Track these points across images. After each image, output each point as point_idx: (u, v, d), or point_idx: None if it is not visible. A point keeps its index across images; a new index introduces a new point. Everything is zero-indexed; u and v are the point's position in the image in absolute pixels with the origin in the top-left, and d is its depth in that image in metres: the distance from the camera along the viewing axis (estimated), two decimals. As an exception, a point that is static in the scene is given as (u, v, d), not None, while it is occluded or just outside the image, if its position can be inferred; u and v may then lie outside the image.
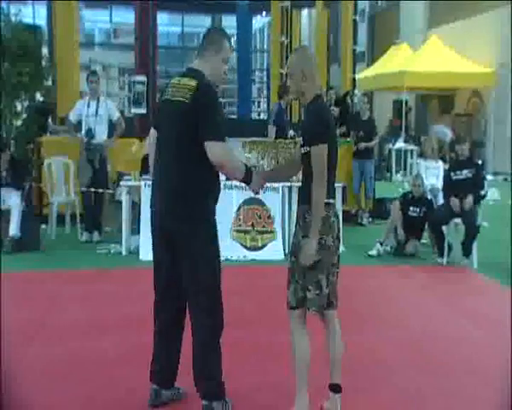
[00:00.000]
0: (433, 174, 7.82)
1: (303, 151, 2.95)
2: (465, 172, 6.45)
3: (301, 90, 2.95)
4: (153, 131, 3.09)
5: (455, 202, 6.29)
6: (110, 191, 7.18)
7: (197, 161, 2.85)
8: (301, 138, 3.01)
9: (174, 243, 2.92)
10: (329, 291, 2.96)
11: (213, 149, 2.82)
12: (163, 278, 3.01)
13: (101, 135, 7.01)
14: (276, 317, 3.48)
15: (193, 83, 2.88)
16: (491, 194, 9.56)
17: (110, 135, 7.09)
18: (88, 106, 7.00)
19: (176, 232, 2.91)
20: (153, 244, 3.05)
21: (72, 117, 7.12)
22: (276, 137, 7.69)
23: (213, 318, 2.96)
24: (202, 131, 2.82)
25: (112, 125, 7.12)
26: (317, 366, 3.01)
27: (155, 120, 3.20)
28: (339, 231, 2.98)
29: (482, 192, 6.53)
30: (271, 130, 7.92)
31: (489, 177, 7.65)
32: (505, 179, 13.07)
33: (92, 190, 6.94)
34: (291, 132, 7.71)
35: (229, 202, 6.41)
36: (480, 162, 7.53)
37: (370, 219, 8.43)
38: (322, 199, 2.86)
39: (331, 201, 2.93)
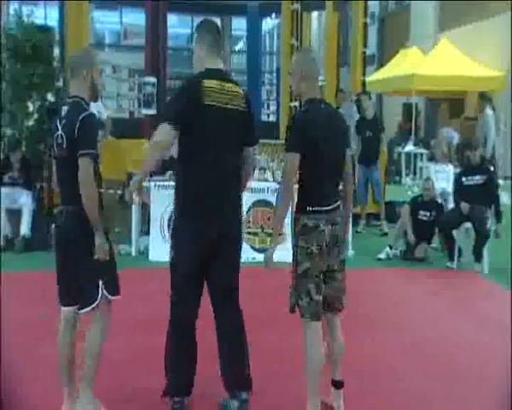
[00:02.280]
0: (443, 178, 7.80)
1: None
2: (477, 177, 6.42)
3: (299, 90, 2.99)
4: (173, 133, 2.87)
5: (464, 206, 6.27)
6: (119, 192, 7.19)
7: (240, 165, 3.05)
8: None
9: (218, 248, 2.99)
10: (328, 296, 2.99)
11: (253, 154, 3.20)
12: (194, 285, 3.03)
13: None
14: (285, 319, 3.47)
15: (240, 90, 2.99)
16: (502, 198, 9.49)
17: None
18: (62, 106, 6.98)
19: (226, 236, 3.00)
20: (184, 245, 2.96)
21: None
22: None
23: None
24: (252, 136, 3.08)
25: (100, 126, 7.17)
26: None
27: (194, 120, 2.86)
28: (331, 239, 2.93)
29: (501, 209, 6.44)
30: None
31: (499, 181, 7.62)
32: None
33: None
34: None
35: (239, 203, 6.41)
36: (492, 168, 7.42)
37: (363, 226, 8.22)
38: (283, 207, 2.93)
39: (323, 208, 2.91)
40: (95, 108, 7.10)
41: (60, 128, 2.91)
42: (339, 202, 3.03)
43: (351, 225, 6.84)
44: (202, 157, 2.90)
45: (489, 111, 8.55)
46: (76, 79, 2.94)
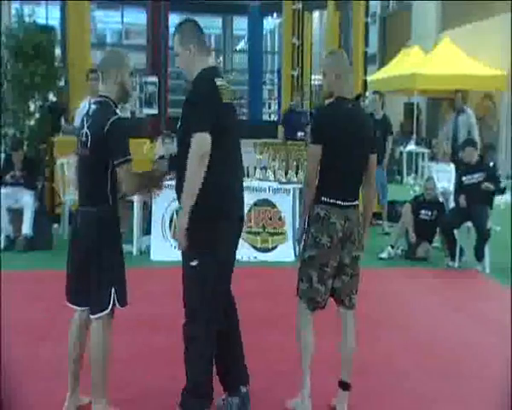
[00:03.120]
0: (444, 177, 7.79)
1: None
2: (476, 175, 6.42)
3: (332, 89, 3.08)
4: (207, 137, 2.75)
5: (461, 199, 6.30)
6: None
7: None
8: None
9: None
10: (336, 289, 3.05)
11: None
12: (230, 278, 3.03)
13: None
14: (287, 318, 3.48)
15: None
16: (504, 198, 9.49)
17: None
18: (89, 107, 6.98)
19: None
20: (229, 246, 2.93)
21: (77, 123, 7.13)
22: (286, 138, 7.84)
23: None
24: None
25: None
26: (329, 365, 3.01)
27: (223, 121, 2.82)
28: (344, 234, 2.99)
29: (502, 185, 6.53)
30: (280, 130, 8.18)
31: (501, 180, 7.60)
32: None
33: None
34: (299, 134, 7.64)
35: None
36: (491, 164, 7.42)
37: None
38: (309, 192, 3.04)
39: (337, 202, 3.00)
40: None
41: (85, 126, 2.89)
42: (357, 202, 3.08)
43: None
44: (232, 157, 2.91)
45: (469, 111, 8.56)
46: (105, 79, 2.94)
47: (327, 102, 3.14)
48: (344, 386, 3.10)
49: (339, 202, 2.99)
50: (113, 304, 2.89)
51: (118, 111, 2.93)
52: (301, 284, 3.05)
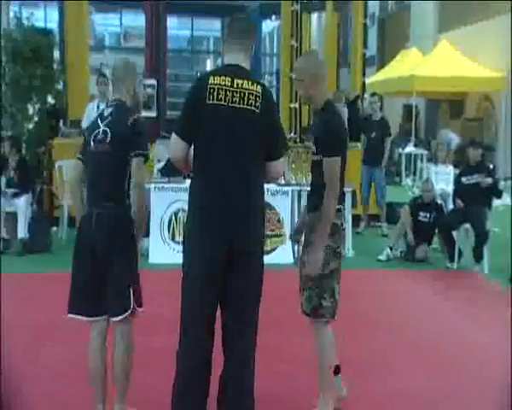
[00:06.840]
0: (443, 179, 7.80)
1: (315, 159, 2.96)
2: (476, 176, 6.44)
3: (312, 93, 2.96)
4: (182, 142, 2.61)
5: (458, 202, 6.31)
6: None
7: (261, 175, 2.67)
8: (314, 145, 2.98)
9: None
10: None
11: (280, 165, 2.73)
12: None
13: None
14: (287, 320, 3.49)
15: (257, 88, 2.65)
16: (502, 199, 9.50)
17: None
18: (98, 109, 7.02)
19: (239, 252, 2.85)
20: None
21: (85, 125, 7.13)
22: None
23: None
24: (274, 147, 2.68)
25: None
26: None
27: (200, 126, 2.58)
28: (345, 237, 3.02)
29: (500, 188, 6.60)
30: None
31: (500, 182, 7.62)
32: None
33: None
34: None
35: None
36: (491, 166, 7.42)
37: (364, 227, 8.20)
38: (333, 209, 2.85)
39: (340, 206, 2.95)
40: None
41: (102, 125, 2.85)
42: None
43: (350, 225, 6.95)
44: (208, 165, 2.60)
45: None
46: (118, 89, 2.94)
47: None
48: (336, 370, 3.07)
49: (341, 207, 2.97)
50: (134, 305, 2.83)
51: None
52: (324, 301, 2.91)
